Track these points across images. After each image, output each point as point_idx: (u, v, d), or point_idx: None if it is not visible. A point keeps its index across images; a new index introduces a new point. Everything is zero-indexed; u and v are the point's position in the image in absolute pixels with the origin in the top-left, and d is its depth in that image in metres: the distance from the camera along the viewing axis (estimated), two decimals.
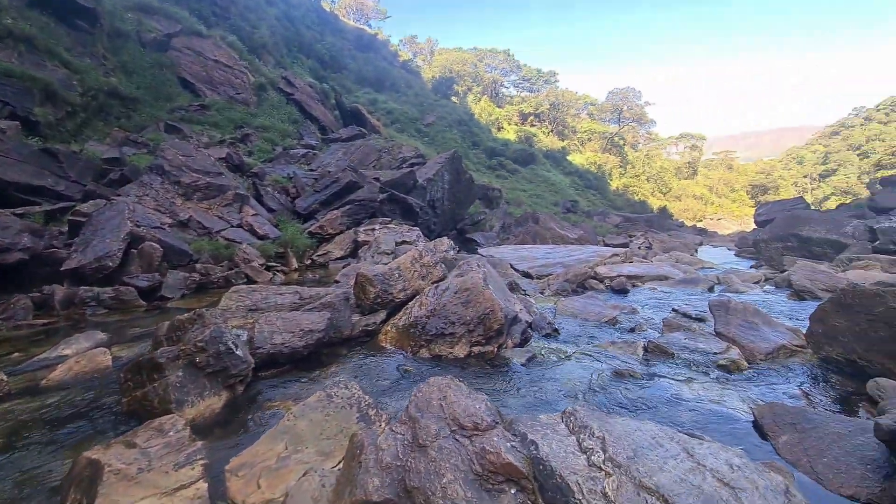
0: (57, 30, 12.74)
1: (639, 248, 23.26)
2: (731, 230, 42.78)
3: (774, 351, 4.02)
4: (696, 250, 23.77)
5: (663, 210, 48.99)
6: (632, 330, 5.25)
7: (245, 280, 7.17)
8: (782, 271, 10.79)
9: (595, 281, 9.16)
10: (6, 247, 5.18)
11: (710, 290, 8.75)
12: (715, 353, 3.97)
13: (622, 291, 8.40)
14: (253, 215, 9.58)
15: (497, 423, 1.75)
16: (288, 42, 30.50)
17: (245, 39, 22.86)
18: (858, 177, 60.93)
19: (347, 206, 11.04)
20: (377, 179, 12.71)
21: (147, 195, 8.41)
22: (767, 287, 9.36)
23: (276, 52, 26.72)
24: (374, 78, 36.93)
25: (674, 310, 6.55)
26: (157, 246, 6.57)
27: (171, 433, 1.98)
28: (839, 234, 16.02)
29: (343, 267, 8.11)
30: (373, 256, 8.24)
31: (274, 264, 8.32)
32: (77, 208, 7.25)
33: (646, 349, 4.17)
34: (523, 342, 4.28)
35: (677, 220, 46.27)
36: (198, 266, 7.06)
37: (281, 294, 4.68)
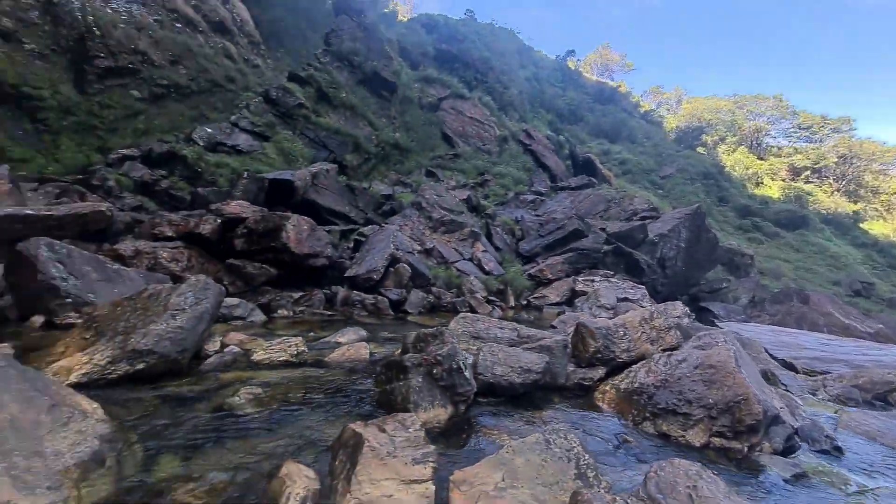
0: (369, 99, 17.15)
1: None
2: None
3: None
4: None
5: None
6: None
7: (468, 309, 7.82)
8: None
9: None
10: (317, 252, 7.05)
11: None
12: None
13: None
14: (482, 251, 10.50)
15: None
16: (532, 98, 33.19)
17: (497, 98, 25.97)
18: None
19: (569, 254, 10.96)
20: (603, 230, 12.28)
21: (406, 225, 10.23)
22: None
23: (521, 107, 29.36)
24: (609, 129, 36.46)
25: None
26: (408, 267, 7.85)
27: (410, 429, 2.25)
28: None
29: (558, 314, 8.00)
30: (590, 308, 7.89)
31: (494, 299, 8.84)
32: (360, 230, 9.37)
33: None
34: (787, 451, 3.32)
35: None
36: (433, 289, 8.09)
37: (501, 328, 4.88)
